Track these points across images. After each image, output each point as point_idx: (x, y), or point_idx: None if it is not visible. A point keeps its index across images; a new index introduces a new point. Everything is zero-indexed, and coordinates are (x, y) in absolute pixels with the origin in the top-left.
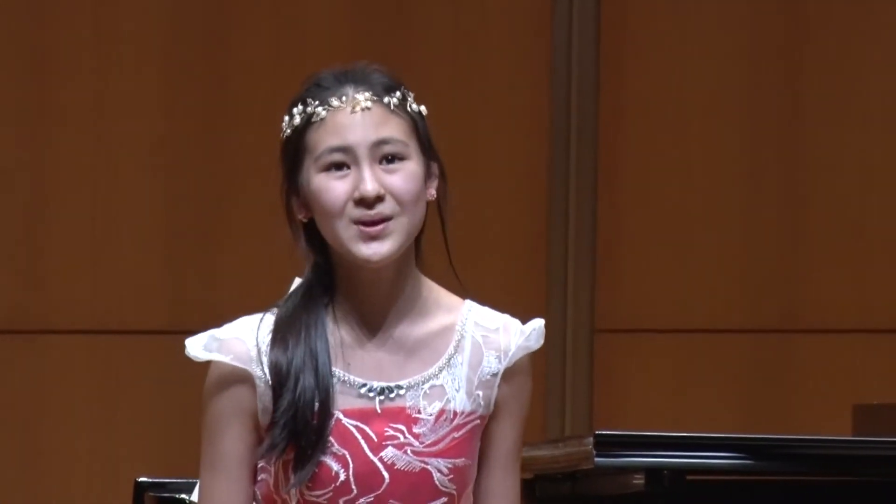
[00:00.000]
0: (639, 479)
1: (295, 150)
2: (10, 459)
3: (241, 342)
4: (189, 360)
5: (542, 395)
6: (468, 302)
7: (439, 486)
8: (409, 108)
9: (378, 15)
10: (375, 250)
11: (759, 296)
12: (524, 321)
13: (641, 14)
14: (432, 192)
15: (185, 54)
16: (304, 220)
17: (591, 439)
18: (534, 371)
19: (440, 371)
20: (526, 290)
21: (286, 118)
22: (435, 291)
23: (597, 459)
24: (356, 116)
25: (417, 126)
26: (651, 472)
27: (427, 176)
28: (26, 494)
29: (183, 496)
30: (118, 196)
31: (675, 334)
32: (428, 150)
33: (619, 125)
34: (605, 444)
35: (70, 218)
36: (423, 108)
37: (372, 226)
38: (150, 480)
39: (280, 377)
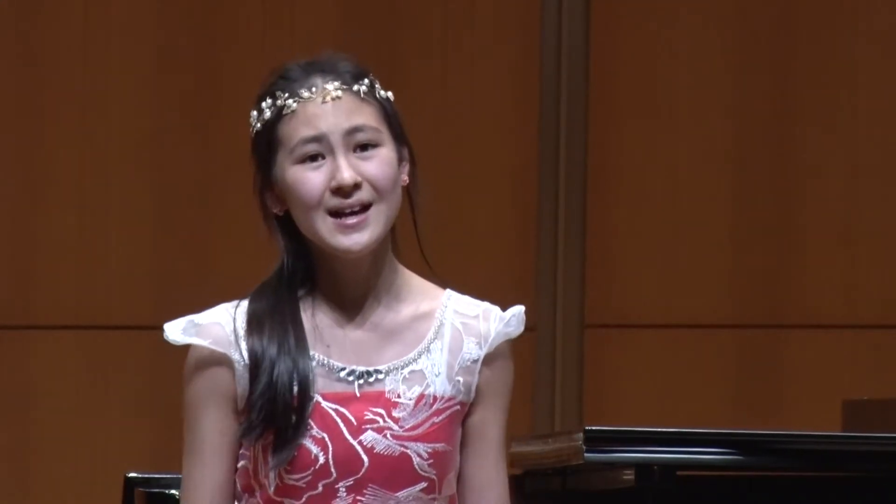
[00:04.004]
0: (629, 475)
1: (267, 143)
2: None
3: (219, 326)
4: (177, 355)
5: (531, 391)
6: (448, 290)
7: (419, 470)
8: (377, 95)
9: (367, 14)
10: (356, 241)
11: (749, 291)
12: None
13: (631, 13)
14: (405, 177)
15: (173, 50)
16: (280, 214)
17: (580, 435)
18: (523, 366)
19: (419, 356)
20: (516, 285)
21: (254, 113)
22: (411, 278)
23: (586, 455)
24: (327, 106)
25: (388, 112)
26: (641, 467)
27: (400, 161)
28: (14, 490)
29: (172, 491)
30: (106, 191)
31: (665, 329)
32: (399, 136)
33: (609, 123)
34: (595, 440)
35: (57, 213)
36: (390, 93)
37: (350, 216)
38: (140, 476)
39: (257, 361)
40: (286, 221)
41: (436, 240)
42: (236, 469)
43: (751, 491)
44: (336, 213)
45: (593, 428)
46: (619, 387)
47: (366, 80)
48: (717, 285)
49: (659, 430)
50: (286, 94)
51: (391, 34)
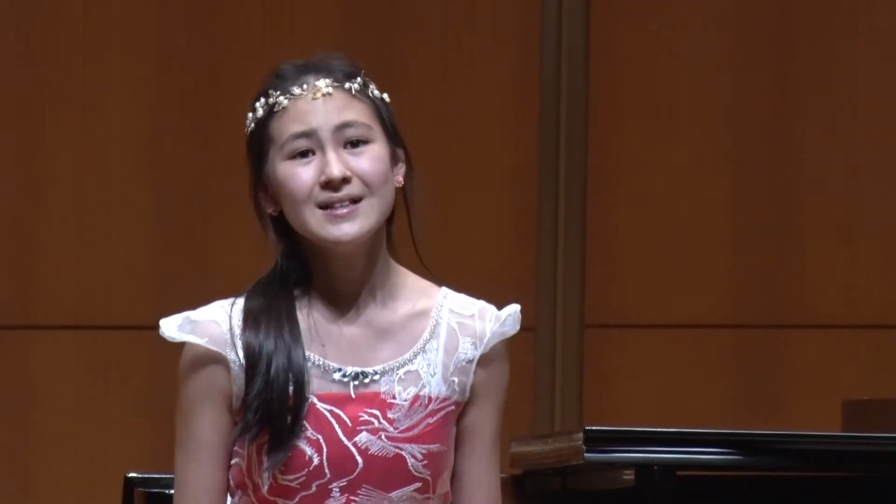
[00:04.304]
0: (629, 475)
1: (259, 142)
2: None
3: (216, 325)
4: (177, 355)
5: (531, 391)
6: (444, 289)
7: (413, 471)
8: (370, 94)
9: (367, 14)
10: (346, 231)
11: (749, 291)
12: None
13: (631, 13)
14: (399, 178)
15: (173, 49)
16: (274, 214)
17: (580, 435)
18: (523, 366)
19: (415, 356)
20: (516, 285)
21: (250, 114)
22: (407, 276)
23: (587, 455)
24: (318, 102)
25: (381, 111)
26: (641, 467)
27: (394, 161)
28: (14, 491)
29: (172, 491)
30: (106, 191)
31: (665, 329)
32: (393, 136)
33: (609, 123)
34: (595, 440)
35: (57, 212)
36: (385, 95)
37: (340, 207)
38: (140, 476)
39: (253, 360)
40: (280, 222)
41: (436, 240)
42: (230, 466)
43: (751, 491)
44: (326, 206)
45: (593, 428)
46: (619, 387)
47: (358, 79)
48: (717, 285)
49: (659, 430)
50: (278, 92)
51: (391, 34)
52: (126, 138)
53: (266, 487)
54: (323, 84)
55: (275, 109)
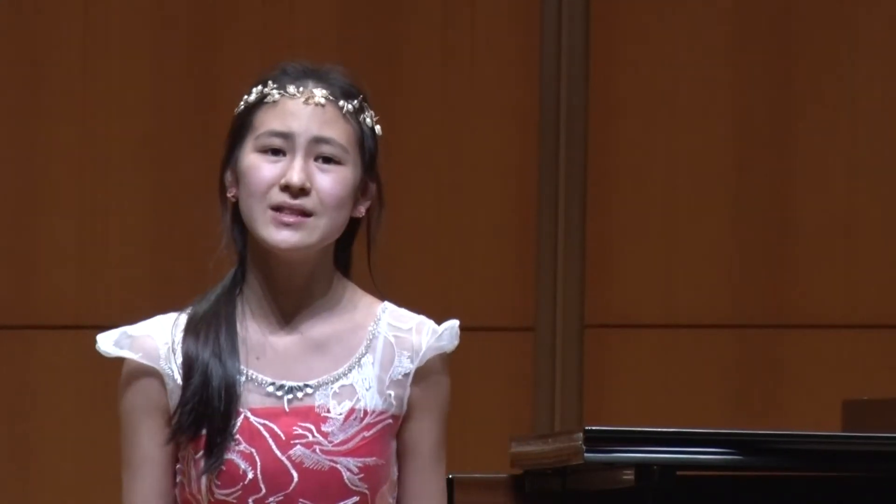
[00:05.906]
0: (629, 475)
1: (241, 124)
2: None
3: (151, 339)
4: None
5: (531, 391)
6: (385, 303)
7: (349, 485)
8: (361, 120)
9: (367, 14)
10: (285, 238)
11: (749, 291)
12: (513, 317)
13: (630, 10)
14: (361, 209)
15: (173, 50)
16: (233, 200)
17: (580, 435)
18: (523, 366)
19: (350, 370)
20: (516, 286)
21: (245, 95)
22: (352, 293)
23: (586, 455)
24: (307, 109)
25: (364, 139)
26: (641, 467)
27: (362, 191)
28: (14, 491)
29: None
30: (106, 192)
31: (665, 329)
32: (370, 168)
33: (609, 122)
34: (595, 440)
35: (58, 213)
36: (378, 126)
37: (289, 215)
38: None
39: (190, 367)
40: (236, 211)
41: (436, 240)
42: (175, 484)
43: (751, 491)
44: (277, 209)
45: (593, 428)
46: (620, 387)
47: (355, 101)
48: (717, 285)
49: (659, 430)
50: (275, 86)
51: (391, 34)
52: (126, 138)
53: (205, 503)
54: (319, 93)
55: (266, 100)
